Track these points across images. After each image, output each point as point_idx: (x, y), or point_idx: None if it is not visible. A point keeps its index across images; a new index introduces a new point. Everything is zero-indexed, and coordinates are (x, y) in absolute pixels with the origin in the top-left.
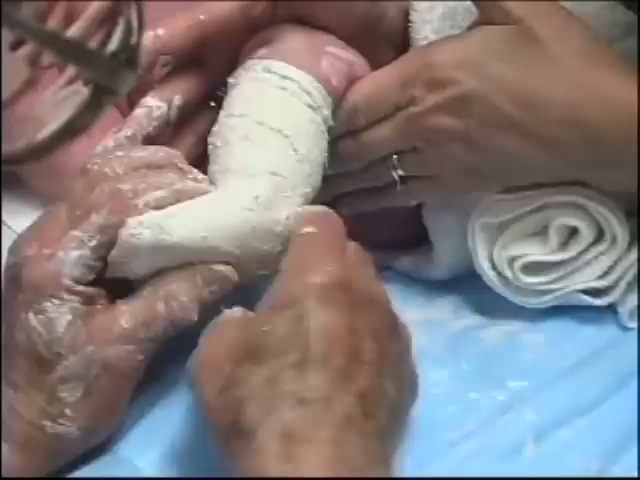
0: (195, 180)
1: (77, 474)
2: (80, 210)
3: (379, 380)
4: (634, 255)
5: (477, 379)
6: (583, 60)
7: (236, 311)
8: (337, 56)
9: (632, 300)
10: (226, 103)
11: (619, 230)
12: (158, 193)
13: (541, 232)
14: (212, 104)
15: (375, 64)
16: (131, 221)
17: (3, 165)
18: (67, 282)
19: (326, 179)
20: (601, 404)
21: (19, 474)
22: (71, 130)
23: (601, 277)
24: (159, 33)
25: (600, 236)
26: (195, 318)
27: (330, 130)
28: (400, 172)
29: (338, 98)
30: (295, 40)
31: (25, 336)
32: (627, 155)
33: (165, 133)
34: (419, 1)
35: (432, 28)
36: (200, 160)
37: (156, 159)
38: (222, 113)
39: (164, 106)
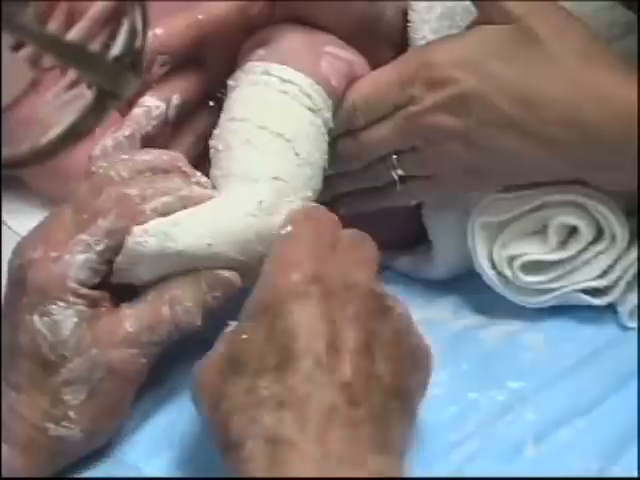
0: (199, 184)
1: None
2: (87, 214)
3: (365, 364)
4: (634, 254)
5: (477, 379)
6: (582, 60)
7: (233, 324)
8: (336, 56)
9: (632, 300)
10: (226, 106)
11: (618, 229)
12: (165, 199)
13: (540, 231)
14: (211, 104)
15: (374, 64)
16: (136, 229)
17: (7, 169)
18: (73, 285)
19: (325, 179)
20: (601, 404)
21: (20, 476)
22: (75, 134)
23: (601, 276)
24: (157, 32)
25: (599, 235)
26: (199, 323)
27: (330, 131)
28: (399, 172)
29: (338, 99)
30: (293, 40)
31: (29, 338)
32: (626, 155)
33: (164, 133)
34: (417, 1)
35: (431, 28)
36: (199, 160)
37: (160, 163)
38: (223, 116)
39: (162, 105)
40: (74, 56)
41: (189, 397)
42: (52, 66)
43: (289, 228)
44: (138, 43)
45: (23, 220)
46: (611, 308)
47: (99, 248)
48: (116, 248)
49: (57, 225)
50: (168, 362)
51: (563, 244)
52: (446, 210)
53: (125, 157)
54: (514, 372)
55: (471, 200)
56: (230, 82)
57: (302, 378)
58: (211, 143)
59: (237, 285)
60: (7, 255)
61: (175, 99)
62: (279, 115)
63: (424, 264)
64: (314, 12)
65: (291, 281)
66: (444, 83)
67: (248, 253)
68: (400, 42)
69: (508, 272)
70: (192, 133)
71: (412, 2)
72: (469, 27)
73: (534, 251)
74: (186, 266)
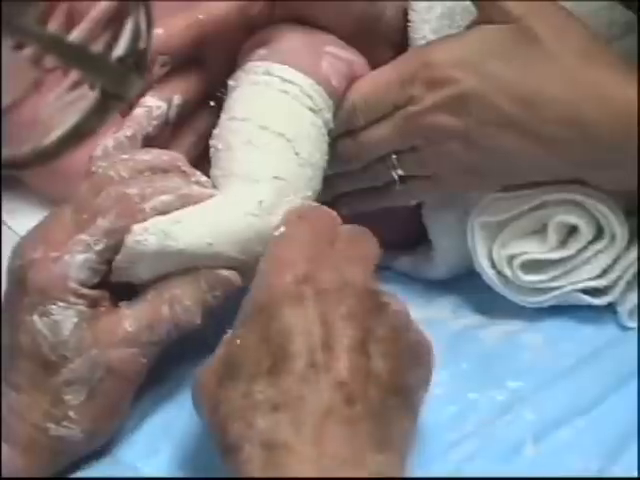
0: (199, 183)
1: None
2: (86, 213)
3: (361, 362)
4: (634, 254)
5: (476, 379)
6: (582, 59)
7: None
8: (337, 56)
9: (632, 299)
10: (227, 106)
11: (618, 228)
12: (165, 197)
13: (540, 230)
14: (211, 104)
15: (373, 64)
16: (136, 227)
17: (9, 169)
18: (73, 285)
19: (325, 179)
20: (601, 404)
21: (21, 476)
22: (78, 135)
23: (600, 276)
24: (158, 32)
25: (599, 234)
26: (199, 322)
27: (330, 132)
28: (399, 172)
29: (339, 99)
30: (294, 40)
31: (30, 338)
32: (626, 154)
33: (164, 133)
34: (418, 1)
35: (431, 28)
36: (199, 160)
37: (160, 162)
38: (223, 116)
39: (163, 106)
40: (77, 57)
41: (188, 397)
42: (54, 67)
43: (282, 229)
44: (142, 44)
45: (23, 220)
46: (611, 308)
47: (99, 248)
48: (116, 248)
49: (57, 225)
50: (167, 362)
51: (563, 243)
52: (446, 210)
53: (125, 157)
54: (514, 372)
55: (471, 200)
56: (231, 82)
57: (296, 380)
58: (211, 143)
59: (237, 284)
60: (7, 255)
61: (176, 99)
62: (280, 115)
63: (424, 264)
64: (314, 12)
65: (284, 282)
66: (444, 83)
67: (248, 252)
68: (400, 42)
69: (508, 271)
70: (193, 133)
71: (412, 2)
72: (469, 27)
73: (534, 250)
74: (186, 265)
